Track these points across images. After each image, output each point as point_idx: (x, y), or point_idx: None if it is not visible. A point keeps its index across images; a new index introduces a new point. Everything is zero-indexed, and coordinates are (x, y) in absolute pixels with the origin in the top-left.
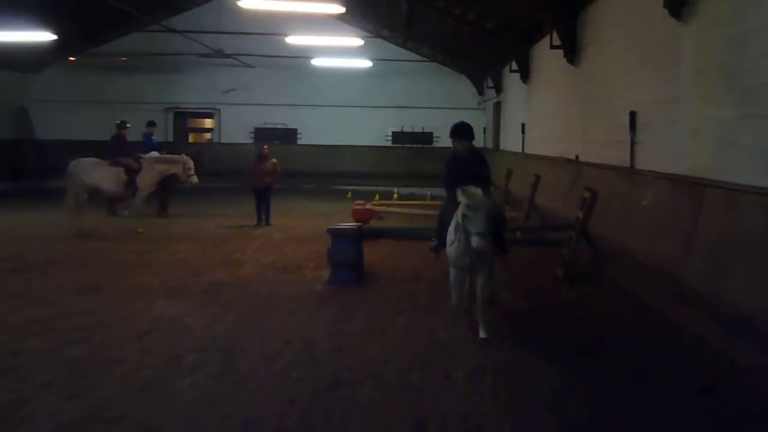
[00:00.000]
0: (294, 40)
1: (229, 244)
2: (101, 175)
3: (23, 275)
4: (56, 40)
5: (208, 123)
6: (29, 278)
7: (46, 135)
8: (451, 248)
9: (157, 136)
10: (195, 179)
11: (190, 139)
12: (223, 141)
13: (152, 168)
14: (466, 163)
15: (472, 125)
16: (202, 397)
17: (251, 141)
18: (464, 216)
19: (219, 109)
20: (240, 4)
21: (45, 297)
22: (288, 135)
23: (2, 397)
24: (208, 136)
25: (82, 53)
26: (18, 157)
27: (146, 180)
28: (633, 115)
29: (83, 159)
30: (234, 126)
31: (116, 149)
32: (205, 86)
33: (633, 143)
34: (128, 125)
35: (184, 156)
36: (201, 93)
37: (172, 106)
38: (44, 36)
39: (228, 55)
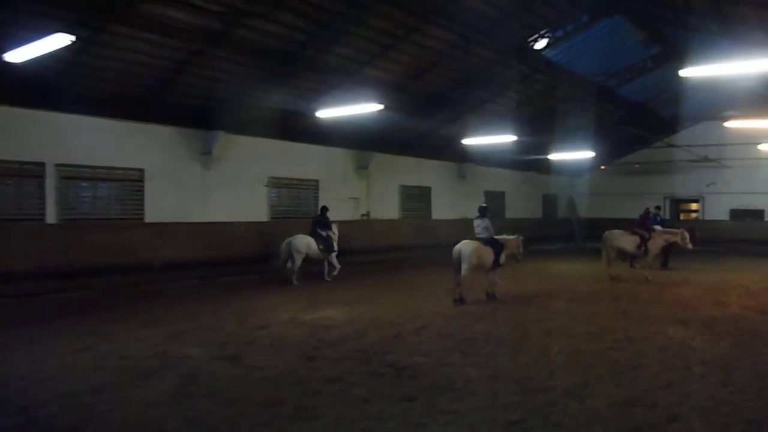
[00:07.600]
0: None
1: (717, 290)
2: (624, 240)
3: (577, 303)
4: (593, 156)
5: (694, 206)
6: (581, 305)
7: (589, 215)
8: None
9: (661, 216)
10: (690, 245)
11: (681, 217)
12: (706, 219)
13: (660, 237)
14: None
15: None
16: (710, 397)
17: (727, 218)
18: None
19: (703, 197)
20: (726, 124)
21: (592, 318)
22: (755, 214)
23: (569, 382)
24: (693, 215)
25: (610, 164)
26: (568, 229)
27: (655, 245)
28: None
29: (613, 231)
30: (714, 208)
31: (639, 224)
32: (692, 182)
33: None
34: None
35: (683, 230)
36: (689, 186)
37: (669, 195)
38: (587, 154)
39: (711, 160)
